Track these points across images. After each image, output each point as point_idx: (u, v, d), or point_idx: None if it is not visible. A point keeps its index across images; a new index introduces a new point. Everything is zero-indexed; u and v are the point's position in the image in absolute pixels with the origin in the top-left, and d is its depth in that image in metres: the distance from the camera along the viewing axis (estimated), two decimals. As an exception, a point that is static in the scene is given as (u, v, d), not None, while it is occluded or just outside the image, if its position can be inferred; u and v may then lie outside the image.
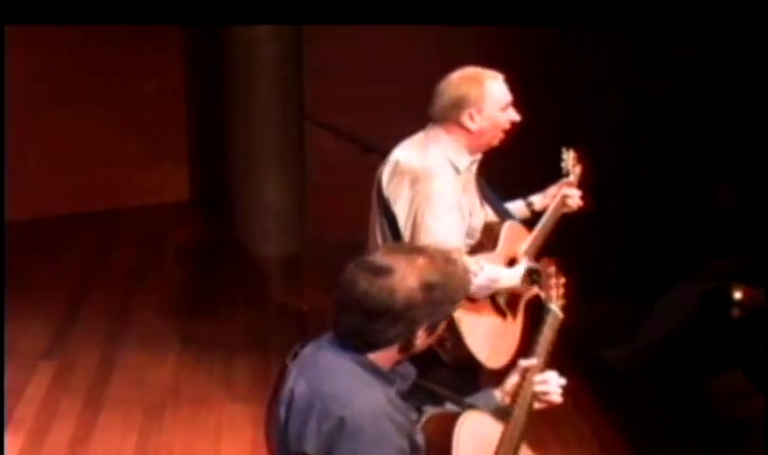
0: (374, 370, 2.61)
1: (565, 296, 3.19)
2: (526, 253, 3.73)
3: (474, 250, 3.59)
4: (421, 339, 2.64)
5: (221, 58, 7.22)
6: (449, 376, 3.43)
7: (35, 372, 5.46)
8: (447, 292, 2.63)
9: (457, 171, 3.59)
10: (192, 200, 8.27)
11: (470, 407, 2.85)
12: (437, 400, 2.86)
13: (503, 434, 2.80)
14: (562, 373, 2.94)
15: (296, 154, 7.25)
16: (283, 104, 7.10)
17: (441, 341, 3.44)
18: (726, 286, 5.22)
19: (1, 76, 6.52)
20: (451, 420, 2.71)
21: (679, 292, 5.42)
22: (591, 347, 5.46)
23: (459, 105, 3.56)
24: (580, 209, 3.92)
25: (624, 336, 5.49)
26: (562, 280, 3.23)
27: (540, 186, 4.01)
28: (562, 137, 4.15)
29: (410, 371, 2.74)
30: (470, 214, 3.63)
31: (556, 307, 3.08)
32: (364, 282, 2.56)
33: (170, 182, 8.16)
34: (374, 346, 2.60)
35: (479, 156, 3.68)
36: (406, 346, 2.63)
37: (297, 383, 2.63)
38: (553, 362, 2.99)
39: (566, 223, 3.94)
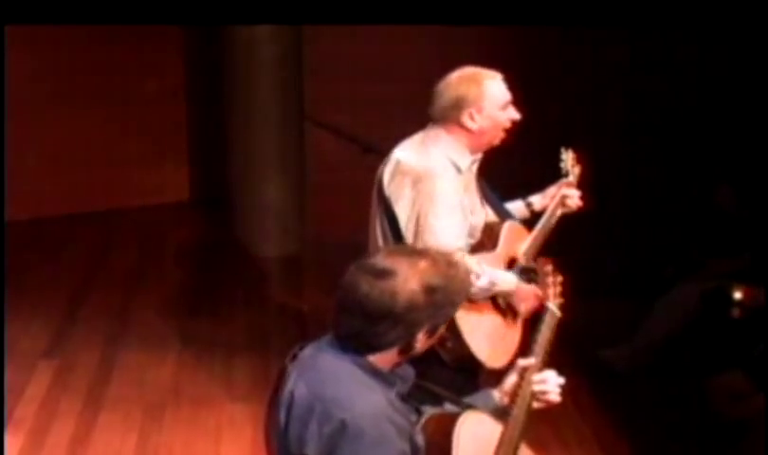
0: (375, 372, 2.61)
1: (563, 294, 3.19)
2: (526, 253, 3.73)
3: (474, 250, 3.60)
4: (421, 342, 2.63)
5: (221, 58, 7.22)
6: (449, 376, 3.44)
7: (35, 372, 5.46)
8: (448, 295, 2.62)
9: (459, 170, 3.59)
10: (191, 200, 8.27)
11: (469, 407, 2.84)
12: (436, 400, 2.86)
13: (503, 434, 2.80)
14: (562, 372, 2.94)
15: (296, 154, 7.25)
16: (283, 104, 7.10)
17: (442, 341, 3.44)
18: (726, 286, 5.22)
19: (1, 76, 6.53)
20: (451, 420, 2.71)
21: (679, 292, 5.42)
22: (591, 347, 5.46)
23: (459, 105, 3.56)
24: (580, 210, 3.92)
25: (624, 336, 5.49)
26: (559, 278, 3.24)
27: (540, 186, 4.01)
28: (562, 137, 4.15)
29: (409, 372, 2.73)
30: (472, 213, 3.63)
31: (553, 306, 3.08)
32: (365, 285, 2.56)
33: (170, 182, 8.16)
34: (375, 348, 2.60)
35: (479, 156, 3.68)
36: (406, 348, 2.62)
37: (297, 385, 2.63)
38: (553, 362, 2.99)
39: (566, 223, 3.94)
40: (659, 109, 7.26)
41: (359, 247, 3.63)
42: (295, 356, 2.72)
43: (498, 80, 3.63)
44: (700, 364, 5.07)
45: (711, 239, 5.66)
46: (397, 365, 2.67)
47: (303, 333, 5.74)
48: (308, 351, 2.71)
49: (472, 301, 3.53)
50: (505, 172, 3.96)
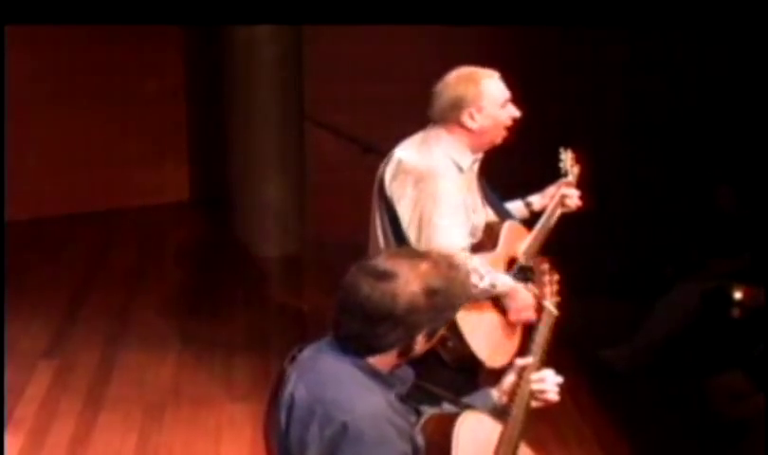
0: (374, 373, 2.61)
1: (559, 293, 3.19)
2: (526, 253, 3.73)
3: (475, 250, 3.60)
4: (420, 344, 2.63)
5: (221, 58, 7.22)
6: (450, 376, 3.44)
7: (35, 372, 5.46)
8: (449, 297, 2.62)
9: (460, 170, 3.60)
10: (192, 200, 8.27)
11: (468, 407, 2.84)
12: (434, 400, 2.85)
13: (502, 433, 2.80)
14: (562, 372, 2.94)
15: (296, 154, 7.25)
16: (283, 104, 7.10)
17: (443, 341, 3.45)
18: (726, 286, 5.22)
19: (1, 76, 6.53)
20: (450, 421, 2.71)
21: (679, 292, 5.42)
22: (591, 347, 5.47)
23: (458, 105, 3.57)
24: (579, 209, 3.93)
25: (624, 336, 5.49)
26: (556, 277, 3.24)
27: (540, 186, 4.01)
28: (562, 137, 4.15)
29: (408, 373, 2.73)
30: (473, 213, 3.64)
31: (550, 305, 3.08)
32: (366, 287, 2.55)
33: (170, 182, 8.16)
34: (375, 350, 2.59)
35: (480, 155, 3.69)
36: (405, 351, 2.62)
37: (297, 387, 2.62)
38: (553, 362, 2.99)
39: (566, 223, 3.94)
40: (659, 109, 7.26)
41: (359, 247, 3.64)
42: (294, 358, 2.72)
43: (496, 78, 3.63)
44: (700, 364, 5.07)
45: (711, 239, 5.66)
46: (396, 367, 2.66)
47: (303, 333, 5.74)
48: (307, 353, 2.71)
49: (473, 301, 3.53)
50: (505, 171, 3.96)
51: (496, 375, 3.17)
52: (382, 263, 2.61)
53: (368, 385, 2.59)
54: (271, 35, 6.92)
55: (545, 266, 3.25)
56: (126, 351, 5.73)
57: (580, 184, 3.98)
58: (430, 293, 2.57)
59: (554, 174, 3.99)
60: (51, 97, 7.60)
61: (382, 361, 2.62)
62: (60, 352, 5.72)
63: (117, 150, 7.89)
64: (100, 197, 7.89)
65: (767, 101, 5.58)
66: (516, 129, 3.69)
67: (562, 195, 3.89)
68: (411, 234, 3.53)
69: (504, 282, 3.60)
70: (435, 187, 3.51)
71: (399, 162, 3.62)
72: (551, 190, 3.95)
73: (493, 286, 3.55)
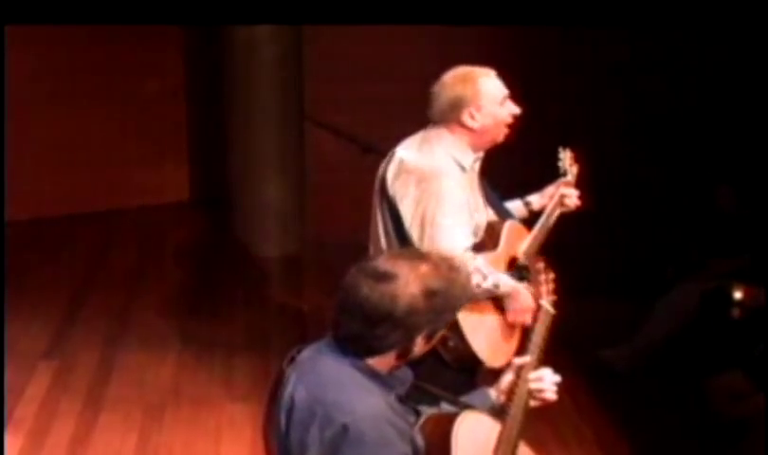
0: (374, 375, 2.60)
1: (555, 292, 3.18)
2: (526, 253, 3.73)
3: (477, 249, 3.60)
4: (419, 346, 2.63)
5: (221, 58, 7.22)
6: (451, 376, 3.44)
7: (35, 372, 5.46)
8: (448, 299, 2.61)
9: (463, 169, 3.61)
10: (192, 200, 8.27)
11: (467, 406, 2.84)
12: (432, 400, 2.85)
13: (501, 433, 2.80)
14: (562, 372, 2.94)
15: (296, 154, 7.25)
16: (283, 104, 7.10)
17: (444, 341, 3.45)
18: (726, 286, 5.22)
19: (1, 76, 6.53)
20: (449, 421, 2.71)
21: (679, 292, 5.42)
22: (591, 347, 5.47)
23: (457, 106, 3.57)
24: (578, 209, 3.93)
25: (624, 336, 5.49)
26: (551, 276, 3.24)
27: (540, 186, 4.01)
28: (562, 137, 4.15)
29: (407, 374, 2.73)
30: (476, 212, 3.64)
31: (546, 304, 3.08)
32: (366, 288, 2.55)
33: (170, 182, 8.16)
34: (374, 351, 2.59)
35: (482, 154, 3.69)
36: (404, 352, 2.61)
37: (296, 389, 2.62)
38: (553, 362, 2.99)
39: (566, 223, 3.94)
40: (659, 109, 7.26)
41: (359, 247, 3.64)
42: (293, 359, 2.72)
43: (492, 76, 3.64)
44: (700, 364, 5.07)
45: (711, 239, 5.66)
46: (396, 368, 2.66)
47: (303, 333, 5.74)
48: (306, 354, 2.70)
49: (475, 301, 3.53)
50: (505, 171, 3.96)
51: (493, 375, 3.18)
52: (382, 264, 2.61)
53: (368, 386, 2.58)
54: (271, 35, 6.92)
55: (540, 265, 3.25)
56: (126, 351, 5.73)
57: (579, 183, 3.98)
58: (430, 295, 2.56)
59: (554, 174, 4.00)
60: (51, 97, 7.60)
61: (381, 362, 2.61)
62: (60, 352, 5.72)
63: (117, 150, 7.89)
64: (100, 197, 7.89)
65: (767, 101, 5.58)
66: (516, 129, 3.69)
67: (561, 195, 3.89)
68: (413, 233, 3.53)
69: (507, 282, 3.60)
70: (438, 186, 3.51)
71: (401, 161, 3.62)
72: (550, 189, 3.96)
73: (496, 286, 3.55)
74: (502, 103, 3.62)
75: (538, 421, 2.99)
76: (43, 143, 7.61)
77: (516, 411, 2.84)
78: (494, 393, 2.95)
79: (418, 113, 3.71)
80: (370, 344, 2.58)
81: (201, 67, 7.96)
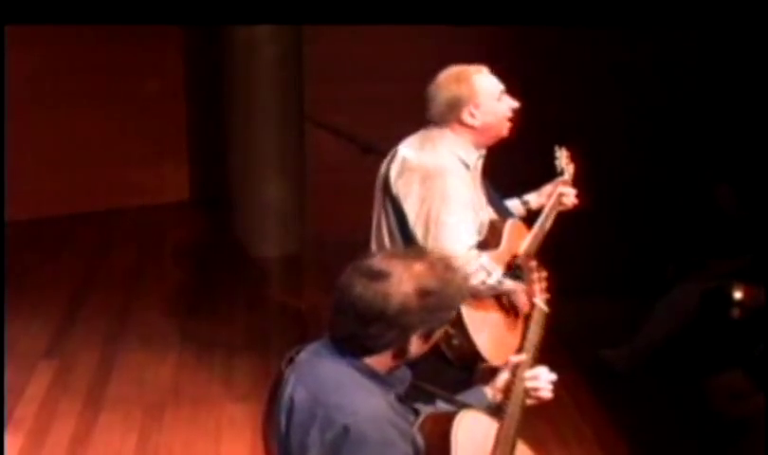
0: (373, 374, 2.60)
1: (548, 290, 3.18)
2: (527, 252, 3.73)
3: (480, 247, 3.60)
4: (416, 346, 2.62)
5: (221, 58, 7.22)
6: (452, 375, 3.44)
7: (35, 372, 5.46)
8: (443, 299, 2.60)
9: (467, 167, 3.61)
10: (192, 200, 8.27)
11: (465, 405, 2.84)
12: (429, 399, 2.85)
13: (499, 432, 2.80)
14: (562, 372, 2.94)
15: (296, 154, 7.25)
16: (283, 104, 7.10)
17: (448, 339, 3.45)
18: (726, 286, 5.21)
19: (1, 76, 6.53)
20: (448, 420, 2.70)
21: (679, 292, 5.42)
22: (591, 347, 5.47)
23: (455, 105, 3.58)
24: (575, 208, 3.93)
25: (624, 336, 5.49)
26: (544, 274, 3.24)
27: (539, 185, 4.02)
28: (562, 137, 4.15)
29: (406, 374, 2.73)
30: (480, 210, 3.64)
31: (540, 302, 3.08)
32: (359, 286, 2.55)
33: (170, 182, 8.16)
34: (369, 351, 2.59)
35: (484, 152, 3.70)
36: (400, 352, 2.61)
37: (296, 390, 2.62)
38: (553, 361, 2.99)
39: (566, 223, 3.94)
40: (659, 109, 7.26)
41: (359, 247, 3.63)
42: (291, 360, 2.71)
43: (485, 72, 3.64)
44: (700, 364, 5.07)
45: (711, 239, 5.66)
46: (395, 368, 2.66)
47: (303, 333, 5.74)
48: (305, 354, 2.70)
49: (478, 299, 3.54)
50: (505, 171, 3.96)
51: (492, 373, 3.17)
52: (377, 263, 2.61)
53: (368, 387, 2.58)
54: (271, 35, 6.92)
55: (533, 265, 3.26)
56: (126, 351, 5.73)
57: (576, 182, 3.98)
58: (423, 294, 2.56)
59: (551, 173, 4.00)
60: (51, 97, 7.60)
61: (379, 362, 2.61)
62: (60, 352, 5.72)
63: (117, 150, 7.89)
64: (100, 197, 7.89)
65: (767, 101, 5.58)
66: (516, 128, 3.69)
67: (560, 194, 3.90)
68: (417, 232, 3.53)
69: (510, 279, 3.61)
70: (443, 184, 3.51)
71: (404, 160, 3.63)
72: (547, 188, 3.96)
73: (500, 283, 3.55)
74: (499, 98, 3.63)
75: (537, 420, 2.99)
76: (43, 143, 7.62)
77: (513, 410, 2.84)
78: (490, 392, 2.95)
79: (418, 113, 3.70)
80: (364, 343, 2.58)
81: (201, 67, 7.96)
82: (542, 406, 2.94)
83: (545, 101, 6.44)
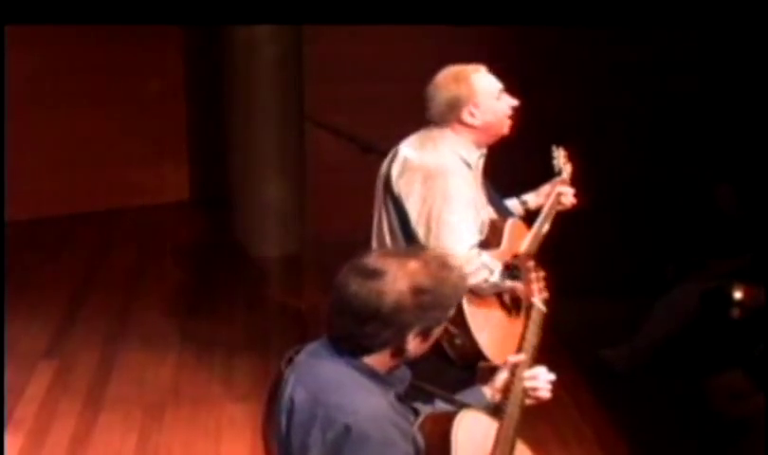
0: (372, 374, 2.60)
1: (546, 289, 3.19)
2: (527, 251, 3.73)
3: (481, 247, 3.60)
4: (414, 345, 2.61)
5: (221, 58, 7.22)
6: (453, 374, 3.43)
7: (35, 372, 5.46)
8: (437, 297, 2.59)
9: (469, 166, 3.61)
10: (192, 200, 8.27)
11: (464, 405, 2.83)
12: (427, 398, 2.85)
13: (499, 431, 2.80)
14: (562, 372, 2.94)
15: (296, 154, 7.25)
16: (283, 104, 7.10)
17: (450, 338, 3.45)
18: (726, 286, 5.21)
19: (1, 76, 6.53)
20: (448, 420, 2.70)
21: (679, 292, 5.42)
22: (591, 347, 5.47)
23: (455, 106, 3.58)
24: (573, 207, 3.94)
25: (624, 336, 5.49)
26: (542, 274, 3.24)
27: (539, 185, 4.02)
28: (562, 137, 4.15)
29: (406, 373, 2.73)
30: (482, 209, 3.65)
31: (538, 302, 3.08)
32: (354, 285, 2.55)
33: (170, 182, 8.16)
34: (367, 350, 2.59)
35: (485, 151, 3.70)
36: (398, 351, 2.61)
37: (296, 390, 2.61)
38: (553, 361, 2.99)
39: (566, 223, 3.94)
40: (659, 109, 7.26)
41: (359, 247, 3.63)
42: (290, 360, 2.71)
43: (483, 71, 3.65)
44: (700, 364, 5.07)
45: (711, 239, 5.66)
46: (394, 367, 2.65)
47: (303, 333, 5.74)
48: (304, 355, 2.70)
49: (481, 298, 3.54)
50: (505, 171, 3.96)
51: (492, 373, 3.17)
52: (372, 261, 2.61)
53: (368, 386, 2.58)
54: (271, 35, 6.92)
55: (531, 264, 3.26)
56: (126, 351, 5.73)
57: (574, 182, 3.99)
58: (418, 292, 2.55)
59: (553, 173, 4.00)
60: (51, 97, 7.60)
61: (379, 361, 2.61)
62: (60, 352, 5.72)
63: (117, 150, 7.89)
64: (100, 197, 7.89)
65: (767, 101, 5.58)
66: (517, 127, 3.69)
67: (558, 193, 3.90)
68: (419, 231, 3.54)
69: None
70: (445, 184, 3.52)
71: (406, 159, 3.63)
72: (545, 188, 3.97)
73: (503, 281, 3.55)
74: (498, 97, 3.63)
75: (538, 420, 2.99)
76: (43, 143, 7.62)
77: (512, 410, 2.84)
78: (489, 392, 2.95)
79: (418, 113, 3.70)
80: (361, 342, 2.57)
81: (201, 67, 7.96)
82: (542, 406, 2.94)
83: (545, 101, 6.44)
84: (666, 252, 5.96)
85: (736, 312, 5.18)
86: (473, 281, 3.46)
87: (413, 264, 2.59)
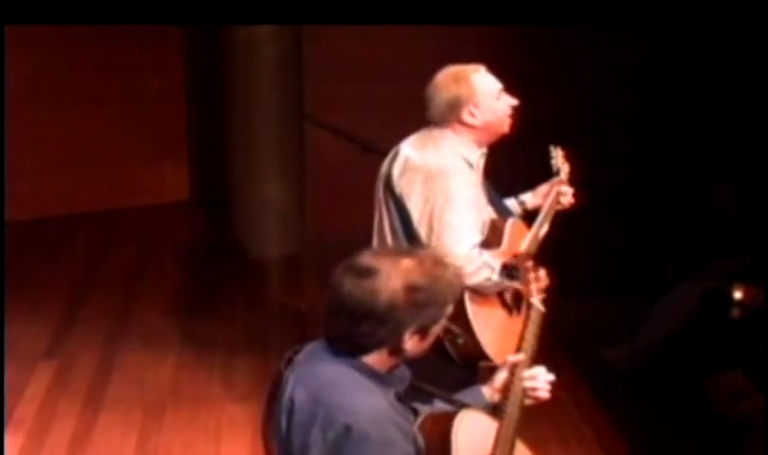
0: (372, 373, 2.60)
1: (545, 289, 3.19)
2: (527, 251, 3.73)
3: (482, 247, 3.60)
4: (411, 344, 2.61)
5: (221, 58, 7.22)
6: (453, 374, 3.43)
7: (35, 372, 5.46)
8: (432, 295, 2.59)
9: (470, 166, 3.62)
10: (192, 200, 8.27)
11: (463, 405, 2.83)
12: (426, 398, 2.85)
13: (498, 431, 2.80)
14: (562, 372, 2.94)
15: (296, 154, 7.25)
16: (283, 104, 7.10)
17: (453, 338, 3.45)
18: (726, 286, 5.22)
19: (1, 76, 6.52)
20: (448, 419, 2.70)
21: (679, 292, 5.42)
22: (591, 347, 5.47)
23: (455, 106, 3.59)
24: (572, 207, 3.94)
25: (624, 336, 5.49)
26: (541, 274, 3.24)
27: (539, 185, 4.02)
28: (562, 137, 4.15)
29: (405, 373, 2.72)
30: (483, 208, 3.65)
31: (536, 302, 3.08)
32: (348, 284, 2.55)
33: (170, 182, 8.16)
34: (363, 349, 2.58)
35: (485, 150, 3.70)
36: (395, 350, 2.60)
37: (296, 391, 2.61)
38: (553, 362, 2.99)
39: (566, 223, 3.94)
40: (659, 109, 7.26)
41: (359, 247, 3.63)
42: (290, 360, 2.71)
43: (483, 71, 3.65)
44: (700, 364, 5.07)
45: (711, 239, 5.66)
46: (394, 366, 2.65)
47: (303, 333, 5.73)
48: (303, 355, 2.70)
49: (483, 297, 3.55)
50: (504, 171, 3.96)
51: (488, 372, 3.18)
52: (365, 260, 2.60)
53: (368, 386, 2.58)
54: (271, 35, 6.92)
55: (529, 264, 3.26)
56: (126, 351, 5.73)
57: (572, 181, 3.99)
58: (411, 290, 2.55)
59: (548, 173, 4.01)
60: (51, 97, 7.60)
61: (378, 361, 2.61)
62: (60, 352, 5.72)
63: (117, 150, 7.89)
64: (100, 197, 7.89)
65: (767, 101, 5.58)
66: (517, 127, 3.69)
67: (557, 193, 3.90)
68: (421, 231, 3.54)
69: None
70: (447, 184, 3.52)
71: (407, 159, 3.63)
72: (543, 188, 3.97)
73: (503, 280, 3.55)
74: (498, 97, 3.64)
75: (538, 420, 2.99)
76: (43, 143, 7.62)
77: (512, 410, 2.84)
78: (487, 391, 2.95)
79: (418, 113, 3.71)
80: (357, 342, 2.57)
81: (201, 67, 7.96)
82: (542, 406, 2.94)
83: (545, 101, 6.44)
84: (666, 252, 5.96)
85: (736, 312, 5.18)
86: (475, 280, 3.47)
87: (407, 263, 2.59)
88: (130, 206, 7.97)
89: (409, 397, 2.75)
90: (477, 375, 3.63)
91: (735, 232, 5.52)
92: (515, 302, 3.70)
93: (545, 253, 3.65)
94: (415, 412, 2.75)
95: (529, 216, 3.90)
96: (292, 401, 2.61)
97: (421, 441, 2.65)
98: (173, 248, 7.47)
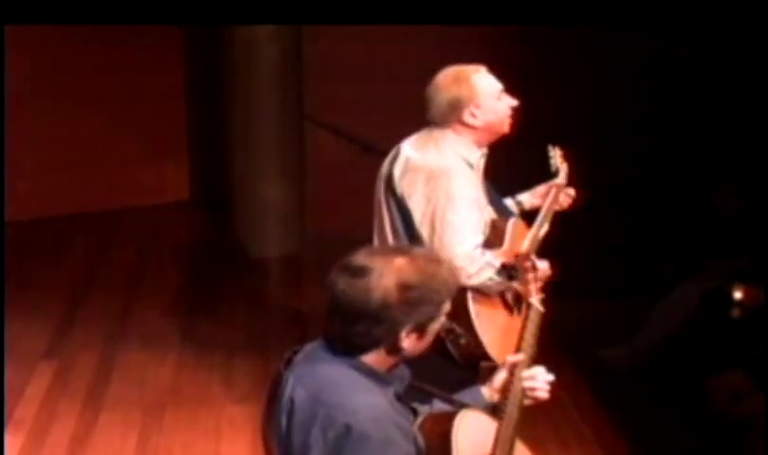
0: (371, 373, 2.60)
1: (544, 289, 3.19)
2: (526, 251, 3.73)
3: (484, 247, 3.60)
4: (408, 342, 2.60)
5: (221, 58, 7.22)
6: (454, 374, 3.43)
7: (35, 372, 5.46)
8: (426, 293, 2.58)
9: (470, 166, 3.62)
10: (192, 200, 8.27)
11: (462, 405, 2.83)
12: (425, 398, 2.84)
13: (498, 431, 2.80)
14: (562, 372, 2.94)
15: (296, 154, 7.25)
16: (283, 104, 7.10)
17: (455, 338, 3.45)
18: (726, 286, 5.22)
19: (1, 76, 6.52)
20: (448, 419, 2.70)
21: (679, 292, 5.42)
22: (591, 347, 5.47)
23: (456, 106, 3.59)
24: (570, 207, 3.94)
25: (624, 336, 5.49)
26: (540, 274, 3.24)
27: (537, 185, 4.02)
28: (562, 137, 4.15)
29: (405, 373, 2.72)
30: (484, 208, 3.65)
31: (536, 302, 3.08)
32: (342, 284, 2.55)
33: (170, 182, 8.16)
34: (360, 349, 2.58)
35: (486, 150, 3.70)
36: (392, 349, 2.60)
37: (296, 391, 2.61)
38: (553, 362, 2.99)
39: (566, 223, 3.94)
40: (659, 109, 7.26)
41: (359, 247, 3.63)
42: (289, 361, 2.71)
43: (483, 72, 3.65)
44: (700, 364, 5.07)
45: (711, 239, 5.66)
46: (394, 366, 2.65)
47: (303, 333, 5.73)
48: (302, 355, 2.70)
49: (485, 297, 3.55)
50: (504, 171, 3.96)
51: (489, 373, 3.17)
52: (359, 259, 2.60)
53: (367, 386, 2.58)
54: (271, 35, 6.92)
55: (528, 264, 3.26)
56: (126, 351, 5.73)
57: (571, 181, 3.99)
58: (404, 288, 2.54)
59: (548, 173, 4.01)
60: (51, 97, 7.60)
61: (377, 360, 2.60)
62: (60, 352, 5.71)
63: (117, 150, 7.89)
64: (100, 197, 7.89)
65: (767, 101, 5.58)
66: (517, 127, 3.69)
67: (556, 193, 3.90)
68: (423, 231, 3.55)
69: None
70: (449, 184, 3.52)
71: (408, 159, 3.63)
72: (541, 188, 3.97)
73: (503, 280, 3.56)
74: (498, 98, 3.64)
75: (537, 421, 2.99)
76: (43, 143, 7.61)
77: (512, 410, 2.84)
78: (487, 391, 2.95)
79: (418, 113, 3.71)
80: (354, 341, 2.57)
81: (201, 67, 7.96)
82: (542, 406, 2.94)
83: (545, 101, 6.44)
84: (666, 252, 5.96)
85: (736, 312, 5.18)
86: (478, 280, 3.47)
87: (400, 261, 2.59)
88: (130, 206, 7.97)
89: (408, 397, 2.75)
90: (478, 376, 3.64)
91: (735, 232, 5.52)
92: (516, 302, 3.71)
93: (545, 253, 3.65)
94: (415, 412, 2.75)
95: (530, 216, 3.90)
96: (292, 401, 2.61)
97: (421, 441, 2.65)
98: (173, 248, 7.47)
